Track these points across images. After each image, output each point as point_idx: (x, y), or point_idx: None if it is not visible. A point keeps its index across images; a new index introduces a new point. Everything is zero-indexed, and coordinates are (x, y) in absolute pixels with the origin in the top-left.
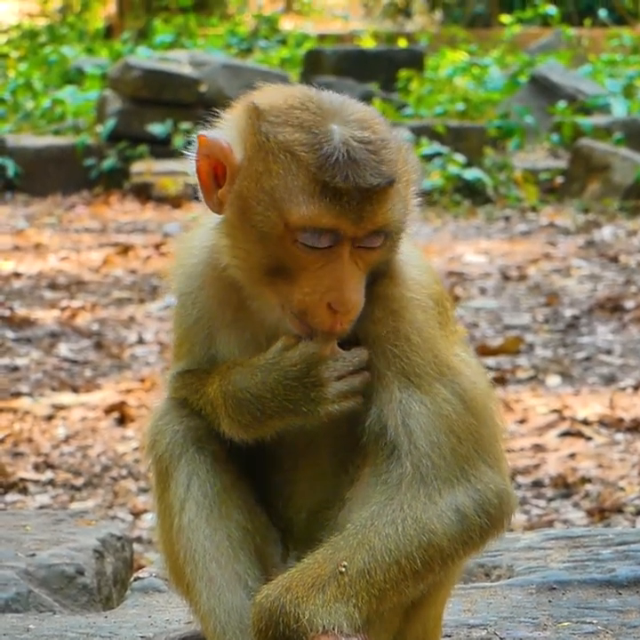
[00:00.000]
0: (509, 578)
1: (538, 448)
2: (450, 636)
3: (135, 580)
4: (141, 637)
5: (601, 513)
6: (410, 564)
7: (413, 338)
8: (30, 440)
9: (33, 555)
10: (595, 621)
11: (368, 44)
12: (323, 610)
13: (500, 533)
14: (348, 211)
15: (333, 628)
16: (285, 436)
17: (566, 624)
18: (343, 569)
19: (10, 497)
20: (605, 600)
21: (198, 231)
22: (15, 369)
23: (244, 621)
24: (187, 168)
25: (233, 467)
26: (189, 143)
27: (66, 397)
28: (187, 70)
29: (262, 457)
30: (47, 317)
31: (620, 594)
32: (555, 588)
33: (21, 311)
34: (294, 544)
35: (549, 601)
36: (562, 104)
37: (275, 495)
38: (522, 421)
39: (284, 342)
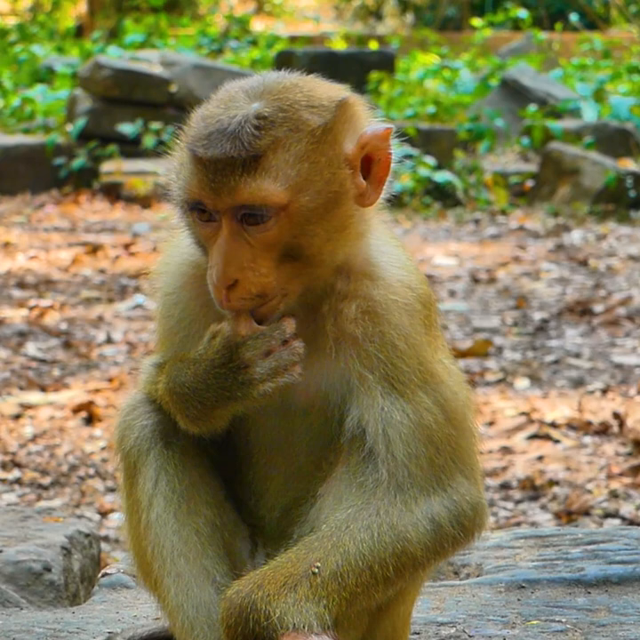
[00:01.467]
0: (478, 576)
1: (506, 450)
2: (418, 634)
3: (103, 576)
4: (109, 633)
5: (568, 516)
6: (382, 570)
7: (399, 344)
8: None
9: (0, 551)
10: (563, 620)
11: (339, 45)
12: (293, 608)
13: (471, 544)
14: (206, 182)
15: (303, 627)
16: (260, 432)
17: (535, 622)
18: (316, 570)
19: None
20: (574, 599)
21: (182, 231)
22: None
23: (213, 617)
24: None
25: (202, 462)
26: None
27: (33, 396)
28: (157, 70)
29: (235, 453)
30: (15, 316)
31: (589, 593)
32: (524, 587)
33: None
34: (264, 540)
35: (518, 599)
36: (532, 108)
37: (247, 492)
38: (490, 424)
39: (211, 331)
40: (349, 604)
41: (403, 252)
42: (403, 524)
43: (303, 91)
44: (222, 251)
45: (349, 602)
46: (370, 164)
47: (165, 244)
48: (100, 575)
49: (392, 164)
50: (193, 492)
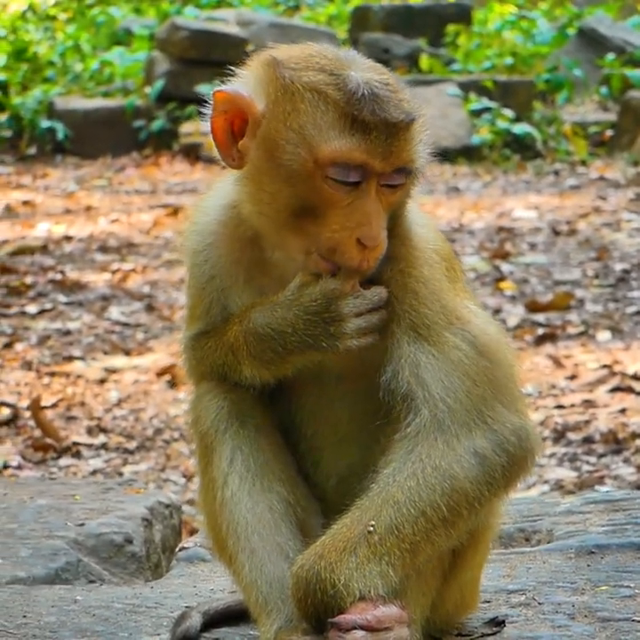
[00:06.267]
0: (549, 542)
1: (588, 404)
2: (489, 602)
3: (180, 549)
4: (186, 607)
5: None
6: (436, 513)
7: (420, 290)
8: (83, 404)
9: (82, 524)
10: (632, 585)
11: None
12: (357, 573)
13: (525, 472)
14: (376, 146)
15: (369, 591)
16: (300, 402)
17: (604, 588)
18: (371, 528)
19: (63, 461)
20: None
21: (211, 193)
22: (67, 333)
23: (286, 592)
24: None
25: (276, 439)
26: (205, 102)
27: (118, 361)
28: (234, 30)
29: (291, 427)
30: (98, 280)
31: None
32: (593, 553)
33: (73, 275)
34: (329, 512)
35: (588, 565)
36: (610, 56)
37: (305, 464)
38: (572, 377)
39: (302, 279)
40: (413, 555)
41: (422, 213)
42: (446, 463)
43: (377, 64)
44: (371, 212)
45: (412, 552)
46: None
47: (192, 206)
48: (177, 549)
49: None
50: (267, 469)
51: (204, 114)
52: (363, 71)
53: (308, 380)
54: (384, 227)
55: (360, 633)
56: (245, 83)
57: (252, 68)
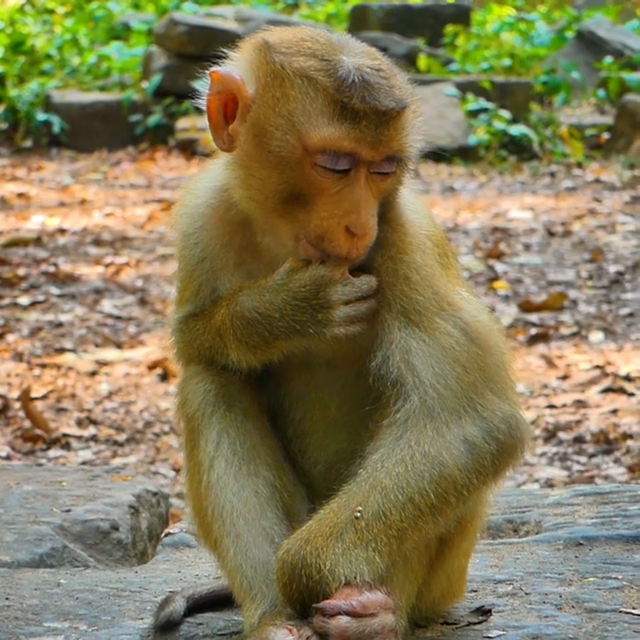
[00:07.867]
0: (537, 534)
1: (580, 404)
2: (476, 591)
3: (166, 535)
4: (170, 592)
5: None
6: (424, 500)
7: (412, 276)
8: (73, 396)
9: (68, 510)
10: (620, 577)
11: None
12: (343, 558)
13: (515, 460)
14: (366, 134)
15: (355, 577)
16: (289, 387)
17: (592, 579)
18: (358, 514)
19: (53, 452)
20: (632, 556)
21: (202, 175)
22: (59, 325)
23: (271, 577)
24: (200, 106)
25: (263, 424)
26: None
27: (109, 353)
28: (232, 26)
29: (279, 411)
30: (91, 273)
31: None
32: (582, 544)
33: (66, 267)
34: (316, 498)
35: (576, 556)
36: (608, 59)
37: (293, 449)
38: (564, 377)
39: (291, 265)
40: (399, 542)
41: (417, 199)
42: (436, 450)
43: (371, 48)
44: (360, 200)
45: (399, 539)
46: None
47: (183, 189)
48: (162, 535)
49: None
50: (253, 454)
51: (201, 93)
52: (355, 57)
53: (298, 364)
54: (373, 214)
55: (345, 619)
56: (238, 64)
57: (245, 51)
